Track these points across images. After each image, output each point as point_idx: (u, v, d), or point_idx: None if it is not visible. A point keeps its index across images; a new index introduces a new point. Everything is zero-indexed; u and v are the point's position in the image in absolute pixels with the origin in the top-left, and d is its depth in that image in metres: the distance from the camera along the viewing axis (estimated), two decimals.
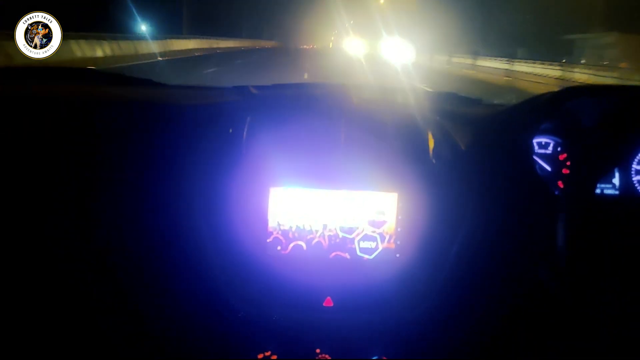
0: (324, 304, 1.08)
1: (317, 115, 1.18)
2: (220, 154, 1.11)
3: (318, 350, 1.05)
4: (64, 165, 1.09)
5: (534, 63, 18.23)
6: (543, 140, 1.24)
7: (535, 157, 1.22)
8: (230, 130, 1.14)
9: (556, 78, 15.34)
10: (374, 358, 1.04)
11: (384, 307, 1.08)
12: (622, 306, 0.64)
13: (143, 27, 23.46)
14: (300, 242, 1.10)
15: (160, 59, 17.40)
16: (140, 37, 19.94)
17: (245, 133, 1.14)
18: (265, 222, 1.09)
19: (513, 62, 19.92)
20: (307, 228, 1.10)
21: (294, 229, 1.10)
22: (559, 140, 1.23)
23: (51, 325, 1.05)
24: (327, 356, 1.05)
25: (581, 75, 14.65)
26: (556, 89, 1.13)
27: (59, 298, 1.06)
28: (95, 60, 13.83)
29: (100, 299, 1.05)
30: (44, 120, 1.13)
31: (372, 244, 1.10)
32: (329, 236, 1.10)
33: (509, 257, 1.07)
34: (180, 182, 1.07)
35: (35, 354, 1.04)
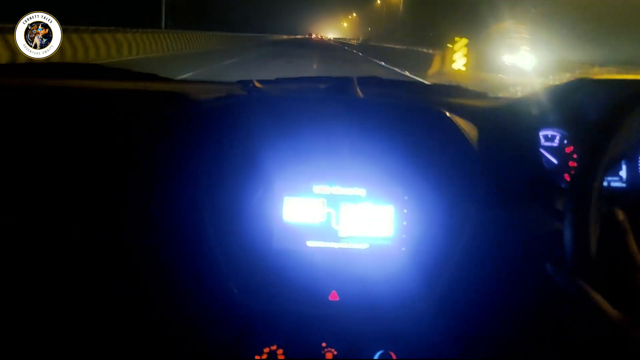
0: (329, 298, 1.08)
1: (322, 109, 1.18)
2: (225, 148, 1.11)
3: (324, 344, 1.05)
4: (70, 162, 1.10)
5: None
6: (549, 133, 1.23)
7: (541, 150, 1.21)
8: (235, 124, 1.14)
9: None
10: (379, 352, 1.05)
11: (391, 302, 1.08)
12: (632, 301, 0.64)
13: None
14: (305, 236, 1.10)
15: None
16: None
17: (249, 127, 1.14)
18: (270, 216, 1.09)
19: None
20: (313, 222, 1.10)
21: (299, 224, 1.10)
22: (565, 133, 1.22)
23: (57, 325, 1.07)
24: (332, 350, 1.05)
25: None
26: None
27: (61, 298, 1.07)
28: None
29: (105, 297, 1.06)
30: (50, 116, 1.14)
31: (378, 239, 1.10)
32: (335, 230, 1.10)
33: (515, 252, 1.06)
34: (184, 177, 1.07)
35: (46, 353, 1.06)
